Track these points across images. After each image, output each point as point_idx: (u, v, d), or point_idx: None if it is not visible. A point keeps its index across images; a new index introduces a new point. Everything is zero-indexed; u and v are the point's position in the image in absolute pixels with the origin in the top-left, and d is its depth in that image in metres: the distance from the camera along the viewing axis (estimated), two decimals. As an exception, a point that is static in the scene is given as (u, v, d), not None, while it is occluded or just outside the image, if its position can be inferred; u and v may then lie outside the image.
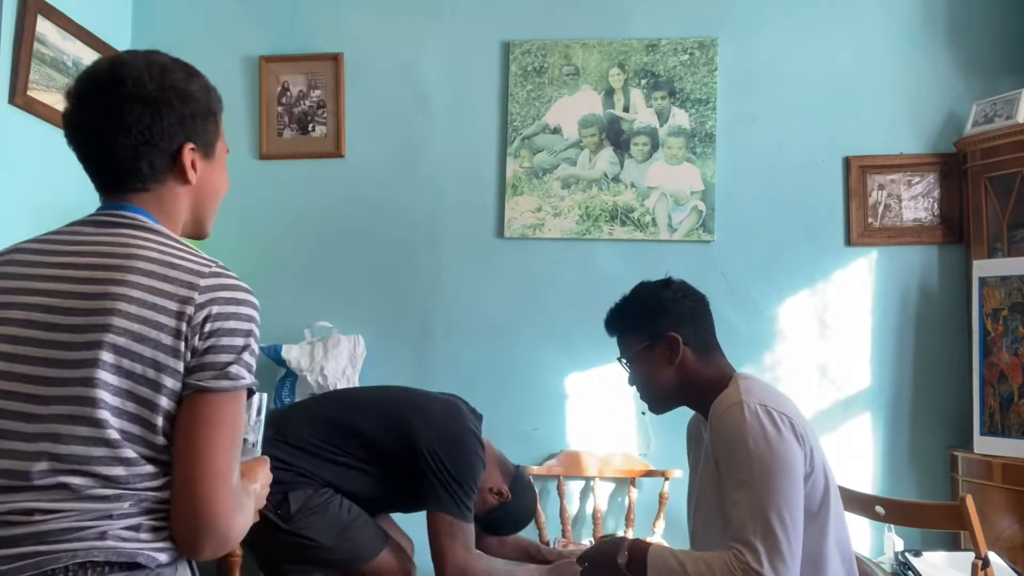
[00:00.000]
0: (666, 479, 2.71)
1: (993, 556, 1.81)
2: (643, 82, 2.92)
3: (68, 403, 0.99)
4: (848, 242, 2.82)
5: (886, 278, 2.80)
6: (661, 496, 2.71)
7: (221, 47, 3.09)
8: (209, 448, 1.01)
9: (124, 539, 0.99)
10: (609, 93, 2.94)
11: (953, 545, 2.54)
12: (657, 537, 2.67)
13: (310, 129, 3.05)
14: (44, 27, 2.57)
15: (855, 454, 2.75)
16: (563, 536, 2.67)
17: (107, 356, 0.99)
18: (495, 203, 2.96)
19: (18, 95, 2.48)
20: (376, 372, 2.82)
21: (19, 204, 2.48)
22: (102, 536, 0.98)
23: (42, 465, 0.98)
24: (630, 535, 2.69)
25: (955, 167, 2.76)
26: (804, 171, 2.85)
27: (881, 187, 2.81)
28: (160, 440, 1.02)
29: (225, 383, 1.02)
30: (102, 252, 1.05)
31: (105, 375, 0.99)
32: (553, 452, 2.86)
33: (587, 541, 2.65)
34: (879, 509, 1.85)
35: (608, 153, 2.92)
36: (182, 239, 1.13)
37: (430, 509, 2.00)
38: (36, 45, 2.54)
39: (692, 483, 1.71)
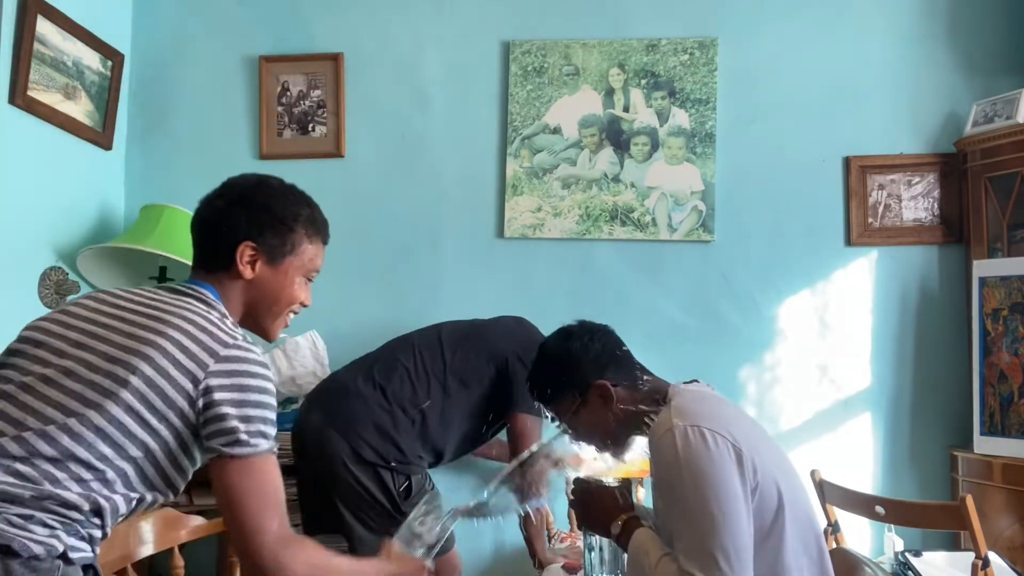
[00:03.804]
0: (666, 479, 2.70)
1: (993, 556, 1.81)
2: (643, 82, 2.92)
3: (56, 407, 1.12)
4: (848, 242, 2.82)
5: (886, 278, 2.80)
6: (661, 496, 2.70)
7: (221, 47, 3.09)
8: (237, 507, 1.14)
9: (12, 524, 1.04)
10: (609, 93, 2.94)
11: (953, 545, 2.54)
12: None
13: (310, 129, 3.04)
14: (44, 27, 2.57)
15: (855, 454, 2.74)
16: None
17: (126, 383, 1.13)
18: (495, 203, 2.96)
19: (18, 95, 2.48)
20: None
21: (18, 204, 2.48)
22: None
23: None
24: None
25: (955, 167, 2.75)
26: (804, 171, 2.85)
27: (881, 187, 2.81)
28: (101, 450, 1.11)
29: (238, 449, 1.14)
30: (157, 308, 1.22)
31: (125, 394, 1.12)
32: (553, 452, 2.85)
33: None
34: (879, 509, 1.85)
35: (608, 153, 2.92)
36: (230, 319, 1.27)
37: (513, 411, 2.26)
38: (36, 45, 2.54)
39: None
